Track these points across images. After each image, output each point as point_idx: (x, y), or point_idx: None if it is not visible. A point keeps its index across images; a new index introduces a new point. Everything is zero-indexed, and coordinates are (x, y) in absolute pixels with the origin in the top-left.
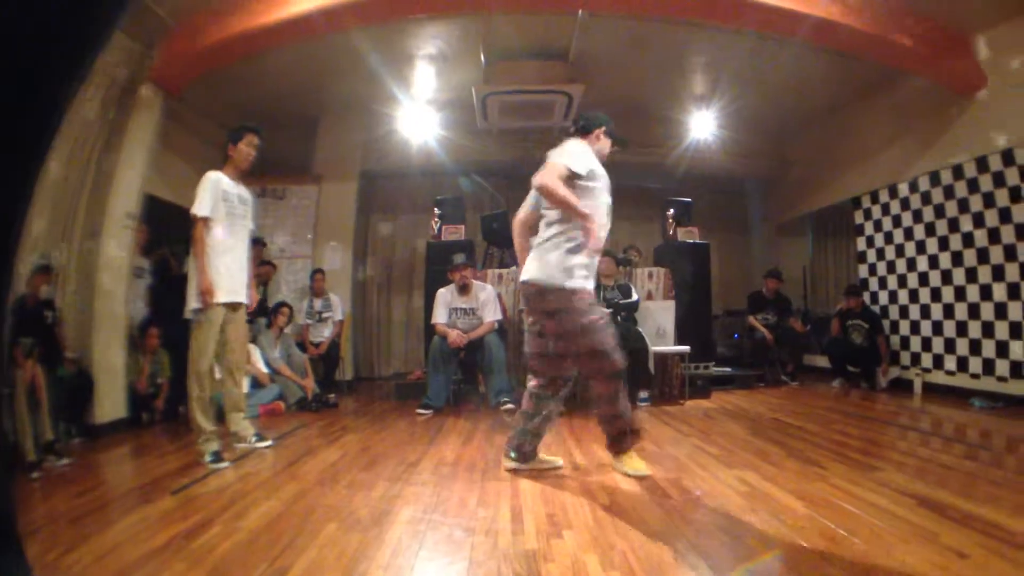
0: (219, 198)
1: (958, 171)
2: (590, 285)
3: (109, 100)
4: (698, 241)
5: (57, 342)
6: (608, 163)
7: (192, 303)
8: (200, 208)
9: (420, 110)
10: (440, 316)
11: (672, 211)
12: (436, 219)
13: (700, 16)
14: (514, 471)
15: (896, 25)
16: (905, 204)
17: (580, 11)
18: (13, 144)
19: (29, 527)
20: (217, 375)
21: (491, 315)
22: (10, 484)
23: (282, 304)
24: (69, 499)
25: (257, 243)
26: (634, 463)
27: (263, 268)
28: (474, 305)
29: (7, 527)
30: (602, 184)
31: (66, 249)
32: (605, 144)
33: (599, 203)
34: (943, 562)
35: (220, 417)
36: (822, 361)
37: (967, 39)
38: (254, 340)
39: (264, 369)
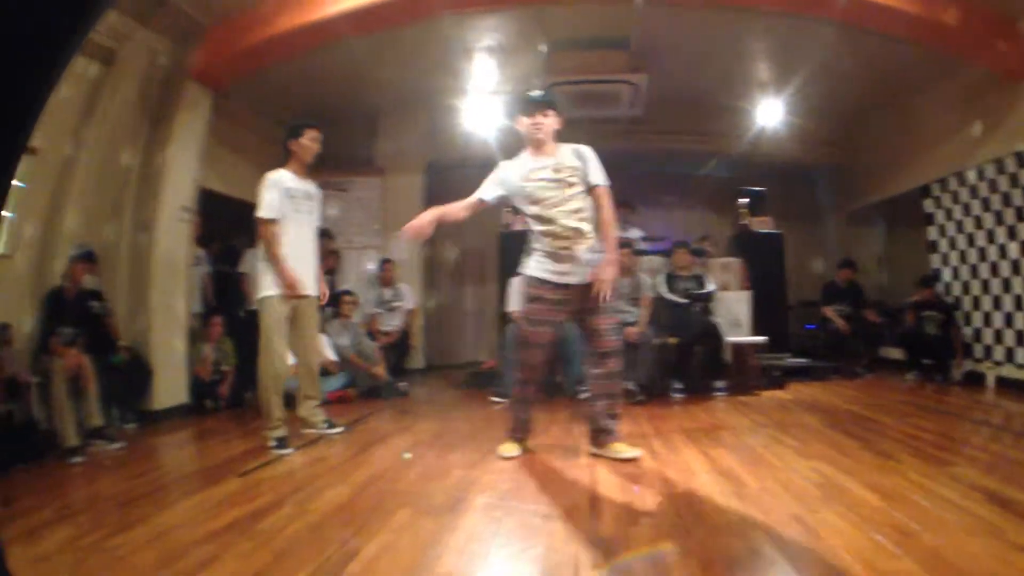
0: (283, 196)
1: (1021, 158)
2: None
3: (148, 98)
4: (771, 231)
5: (107, 331)
6: (677, 152)
7: (263, 291)
8: (265, 211)
9: (483, 102)
10: (516, 304)
11: (745, 201)
12: (509, 208)
13: (762, 1)
14: (595, 456)
15: (950, 10)
16: (973, 192)
17: None
18: None
19: (66, 511)
20: (290, 362)
21: None
22: None
23: (345, 292)
24: (120, 482)
25: (324, 235)
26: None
27: (328, 259)
28: None
29: None
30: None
31: (116, 241)
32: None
33: None
34: (1009, 557)
35: (289, 404)
36: (896, 353)
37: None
38: (323, 329)
39: (333, 357)
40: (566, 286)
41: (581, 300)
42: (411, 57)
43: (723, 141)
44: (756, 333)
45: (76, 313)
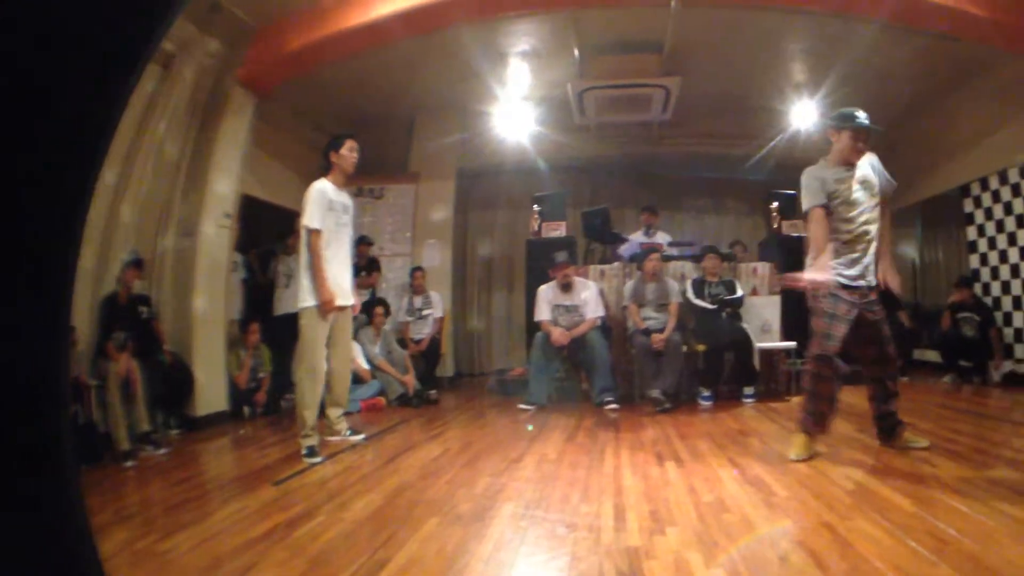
0: (326, 208)
1: None
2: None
3: (197, 101)
4: (803, 234)
5: (155, 336)
6: (708, 155)
7: (305, 301)
8: (312, 220)
9: (516, 107)
10: (543, 313)
11: (776, 204)
12: (536, 216)
13: (794, 1)
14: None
15: (986, 2)
16: (1016, 190)
17: (672, 2)
18: (73, 142)
19: (121, 514)
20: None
21: (593, 312)
22: (79, 476)
23: (379, 301)
24: (167, 487)
25: (363, 242)
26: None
27: (371, 277)
28: (576, 302)
29: (77, 518)
30: None
31: (161, 246)
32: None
33: None
34: None
35: (321, 412)
36: (932, 356)
37: None
38: (355, 337)
39: (365, 365)
40: None
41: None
42: (445, 63)
43: (755, 144)
44: (786, 338)
45: (127, 318)
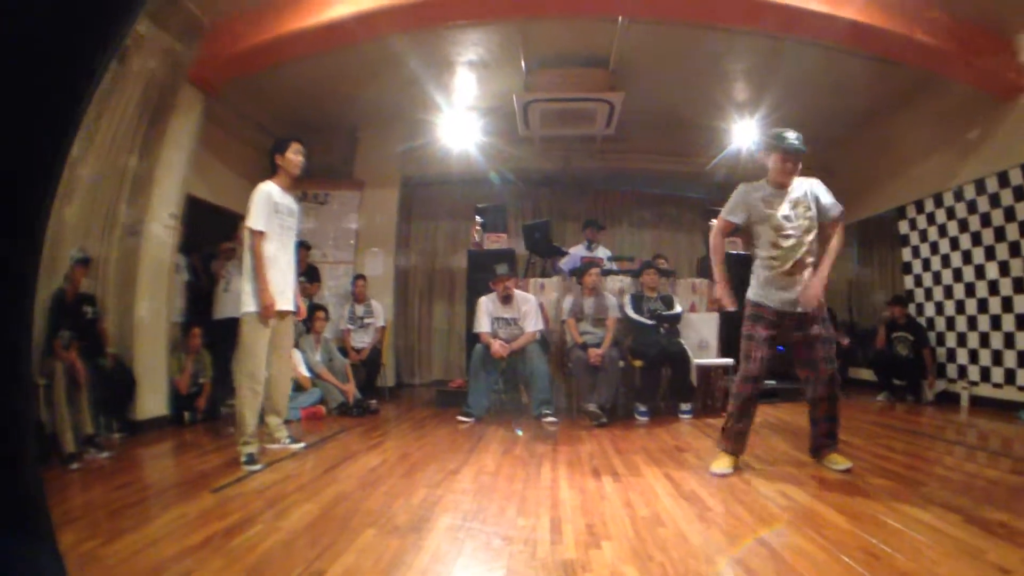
0: (271, 210)
1: (1004, 178)
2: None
3: (149, 98)
4: (741, 252)
5: (98, 337)
6: (650, 171)
7: (246, 305)
8: (256, 222)
9: (461, 117)
10: (483, 325)
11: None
12: (478, 227)
13: (739, 21)
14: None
15: (933, 28)
16: (951, 213)
17: (620, 17)
18: (38, 132)
19: (67, 516)
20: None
21: (532, 325)
22: (41, 476)
23: (318, 307)
24: (110, 491)
25: (302, 246)
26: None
27: (311, 286)
28: (516, 315)
29: (40, 519)
30: None
31: (106, 245)
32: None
33: None
34: None
35: (261, 420)
36: (867, 374)
37: (1008, 41)
38: (296, 344)
39: (306, 373)
40: None
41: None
42: (392, 70)
43: (697, 161)
44: (723, 355)
45: (73, 316)
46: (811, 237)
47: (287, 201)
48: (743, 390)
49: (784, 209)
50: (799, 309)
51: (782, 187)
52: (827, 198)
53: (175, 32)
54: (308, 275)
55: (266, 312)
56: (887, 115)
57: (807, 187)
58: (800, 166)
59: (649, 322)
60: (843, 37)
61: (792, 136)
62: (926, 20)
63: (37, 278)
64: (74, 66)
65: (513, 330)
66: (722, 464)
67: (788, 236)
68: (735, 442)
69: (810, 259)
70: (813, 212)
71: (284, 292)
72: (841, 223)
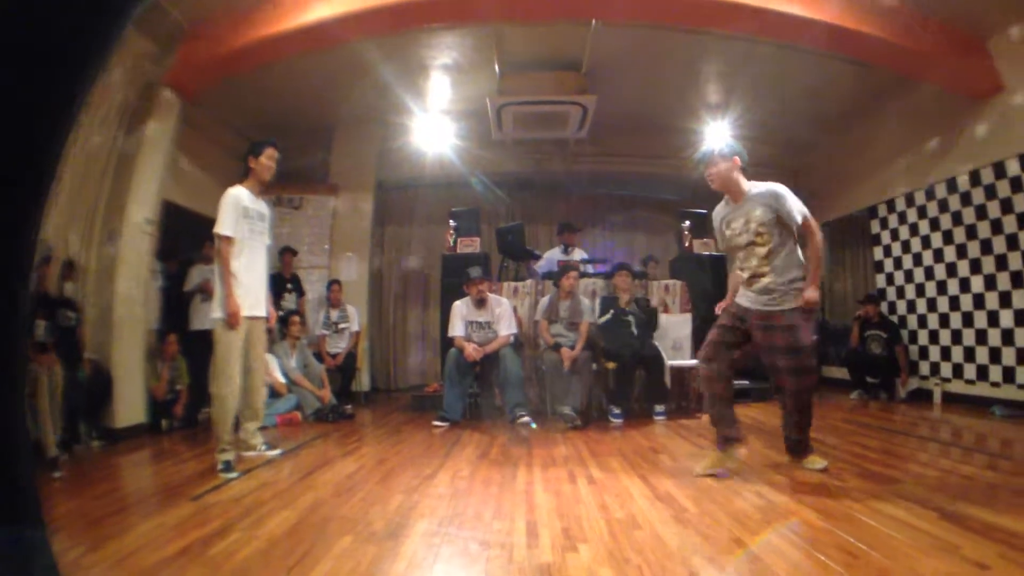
0: (240, 215)
1: (975, 177)
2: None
3: (127, 103)
4: (715, 253)
5: (77, 342)
6: (623, 174)
7: (217, 312)
8: (224, 227)
9: (435, 120)
10: (456, 329)
11: (688, 223)
12: (451, 231)
13: (713, 24)
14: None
15: (907, 30)
16: (922, 212)
17: (593, 21)
18: (30, 141)
19: (50, 525)
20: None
21: (506, 329)
22: (36, 479)
23: (292, 312)
24: (91, 499)
25: (288, 252)
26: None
27: (301, 300)
28: (490, 319)
29: (35, 522)
30: None
31: (85, 251)
32: None
33: None
34: (965, 574)
35: (237, 426)
36: (840, 373)
37: (982, 43)
38: (270, 350)
39: (281, 379)
40: None
41: None
42: (366, 74)
43: (669, 163)
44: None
45: (52, 321)
46: (765, 250)
47: (258, 206)
48: (701, 373)
49: (736, 226)
50: (764, 308)
51: (735, 201)
52: (786, 205)
53: (153, 36)
54: (293, 283)
55: (231, 319)
56: (859, 116)
57: (763, 198)
58: (736, 173)
59: (622, 324)
60: (818, 40)
61: (708, 151)
62: (901, 23)
63: (29, 280)
64: (68, 70)
65: (487, 333)
66: (704, 463)
67: (739, 248)
68: (722, 426)
69: (766, 267)
70: (766, 221)
71: (256, 298)
72: (811, 223)
